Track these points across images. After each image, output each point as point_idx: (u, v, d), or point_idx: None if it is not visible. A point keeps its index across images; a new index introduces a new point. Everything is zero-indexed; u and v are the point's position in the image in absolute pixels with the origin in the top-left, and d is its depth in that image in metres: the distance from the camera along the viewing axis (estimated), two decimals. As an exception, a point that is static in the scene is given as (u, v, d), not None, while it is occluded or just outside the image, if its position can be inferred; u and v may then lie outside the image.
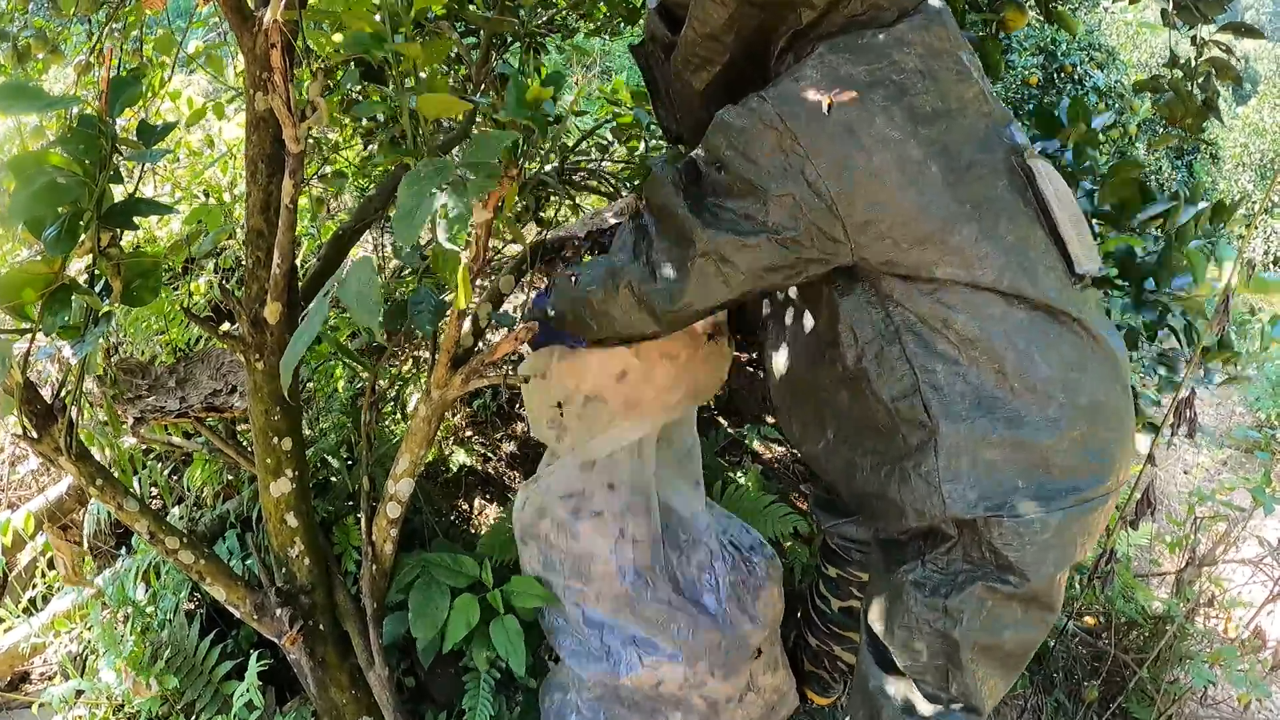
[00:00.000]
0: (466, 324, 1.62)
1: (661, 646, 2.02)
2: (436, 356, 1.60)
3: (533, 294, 1.94)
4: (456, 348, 1.58)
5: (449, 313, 1.53)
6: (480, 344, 1.69)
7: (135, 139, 1.36)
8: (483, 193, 1.14)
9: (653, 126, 2.43)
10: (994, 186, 1.44)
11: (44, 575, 2.87)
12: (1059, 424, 1.44)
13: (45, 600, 2.84)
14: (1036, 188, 1.48)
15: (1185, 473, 5.25)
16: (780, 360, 1.78)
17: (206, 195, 2.66)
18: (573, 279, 1.68)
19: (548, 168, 2.01)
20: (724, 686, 2.07)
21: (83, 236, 1.25)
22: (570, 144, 2.39)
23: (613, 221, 1.90)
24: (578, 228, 1.90)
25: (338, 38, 1.99)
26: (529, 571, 2.12)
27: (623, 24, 2.52)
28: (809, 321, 1.67)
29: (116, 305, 1.39)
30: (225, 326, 1.74)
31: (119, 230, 1.34)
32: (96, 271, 1.39)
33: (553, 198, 2.63)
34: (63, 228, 1.22)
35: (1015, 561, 1.46)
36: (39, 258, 1.33)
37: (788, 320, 1.77)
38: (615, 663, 2.02)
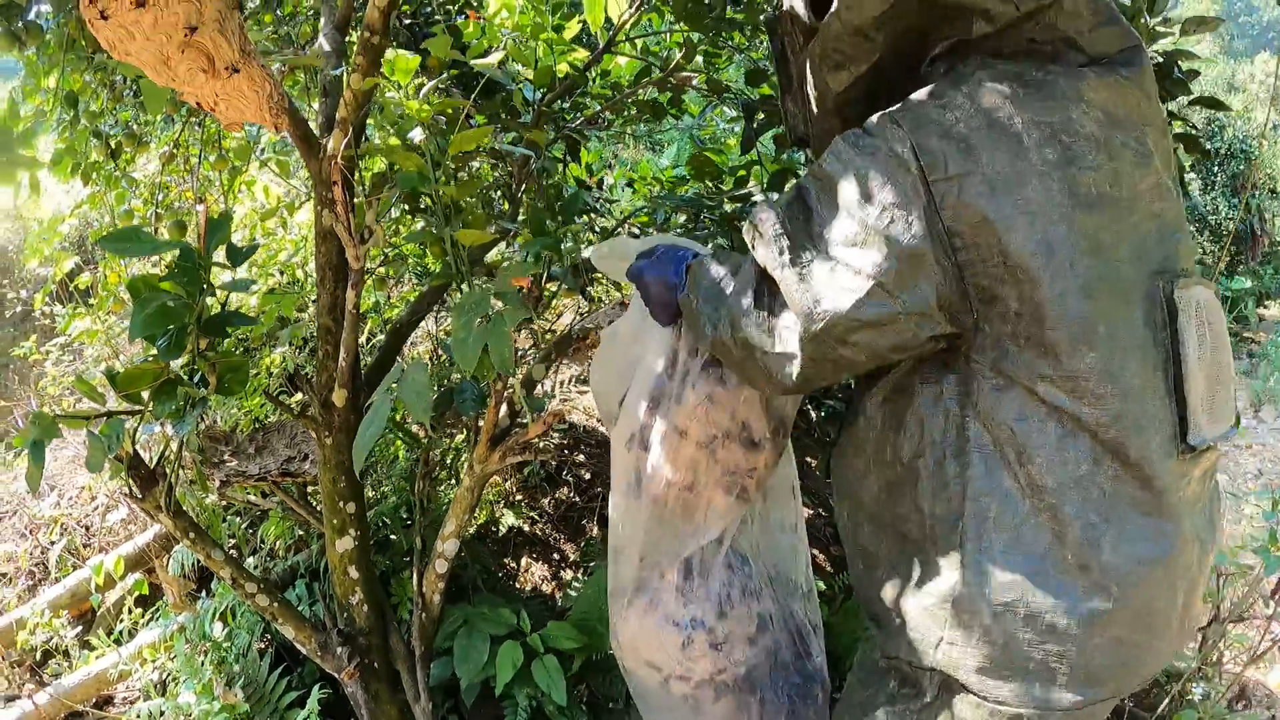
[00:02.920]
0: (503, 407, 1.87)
1: None
2: (478, 436, 1.85)
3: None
4: (495, 428, 1.83)
5: (489, 400, 1.79)
6: (515, 424, 1.94)
7: (225, 260, 1.65)
8: (515, 320, 1.39)
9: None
10: (1133, 312, 1.21)
11: (130, 612, 3.18)
12: (1101, 619, 1.21)
13: (130, 634, 3.15)
14: (1176, 328, 1.22)
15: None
16: (850, 413, 1.53)
17: (281, 273, 2.98)
18: (694, 294, 1.47)
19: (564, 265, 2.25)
20: None
21: (187, 345, 1.53)
22: (609, 227, 2.64)
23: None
24: (603, 316, 2.12)
25: (380, 165, 2.26)
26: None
27: (651, 119, 2.78)
28: (879, 392, 1.40)
29: (212, 394, 1.67)
30: (298, 397, 2.01)
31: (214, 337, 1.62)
32: (195, 367, 1.67)
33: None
34: (172, 340, 1.50)
35: None
36: (149, 358, 1.61)
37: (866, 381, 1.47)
38: None
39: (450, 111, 1.57)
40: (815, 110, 1.46)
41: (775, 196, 1.37)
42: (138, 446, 1.80)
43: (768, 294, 1.31)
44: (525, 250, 1.58)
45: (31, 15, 2.30)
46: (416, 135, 1.45)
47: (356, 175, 1.73)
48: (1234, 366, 1.33)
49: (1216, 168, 10.81)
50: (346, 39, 2.37)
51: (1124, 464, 1.20)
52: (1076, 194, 1.16)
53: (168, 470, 1.87)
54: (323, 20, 2.41)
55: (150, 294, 1.48)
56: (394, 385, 1.54)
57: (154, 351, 1.56)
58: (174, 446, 1.85)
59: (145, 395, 1.62)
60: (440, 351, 2.77)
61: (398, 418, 2.43)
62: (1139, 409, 1.19)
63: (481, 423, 1.82)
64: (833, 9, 1.29)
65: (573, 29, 2.77)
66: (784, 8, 1.46)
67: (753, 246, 1.33)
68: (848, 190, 1.20)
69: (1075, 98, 1.19)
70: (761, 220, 1.30)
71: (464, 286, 1.50)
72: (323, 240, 1.87)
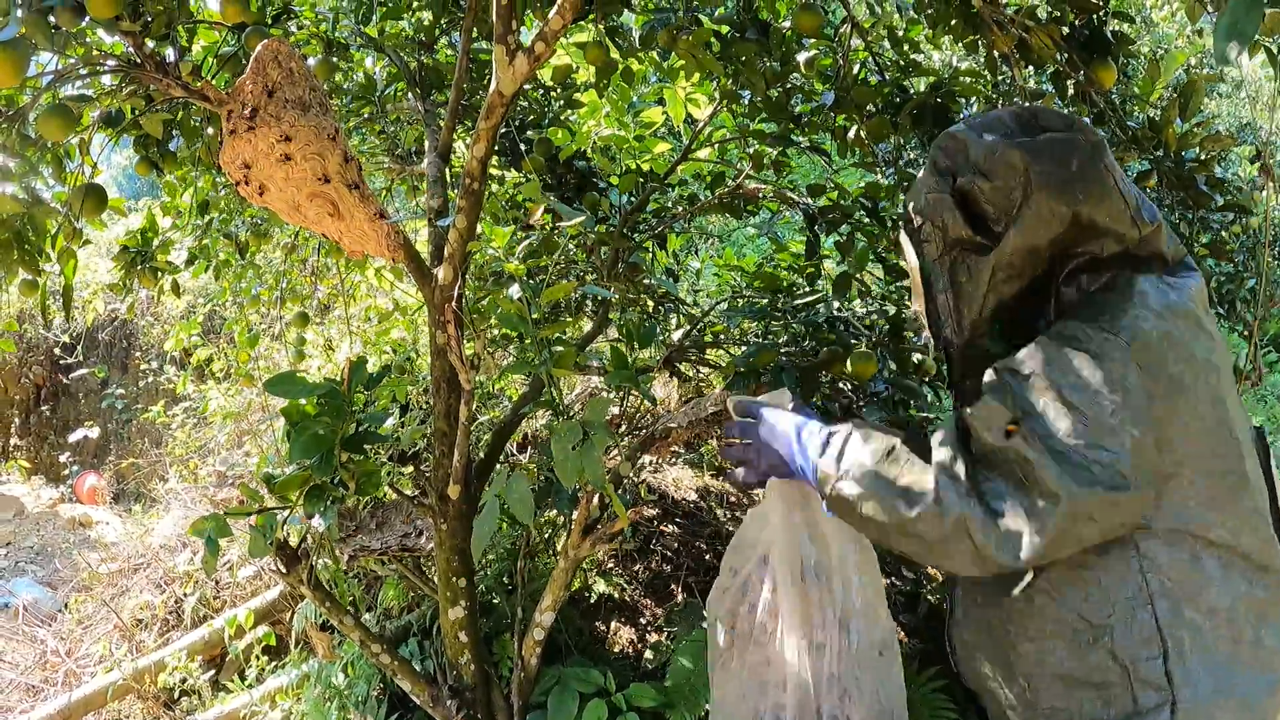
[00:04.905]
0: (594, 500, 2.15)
1: None
2: (571, 527, 2.14)
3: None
4: (586, 520, 2.11)
5: (581, 498, 2.07)
6: (605, 515, 2.22)
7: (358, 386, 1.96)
8: (604, 445, 1.67)
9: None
10: (1255, 459, 1.53)
11: (258, 659, 3.55)
12: (1274, 686, 1.49)
13: (259, 679, 3.52)
14: (1269, 464, 1.57)
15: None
16: (979, 598, 1.70)
17: (393, 351, 3.32)
18: (854, 483, 1.59)
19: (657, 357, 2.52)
20: None
21: (334, 463, 1.85)
22: (688, 327, 2.91)
23: (710, 410, 2.35)
24: (680, 417, 2.37)
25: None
26: None
27: (727, 216, 3.05)
28: (1054, 571, 1.55)
29: (351, 496, 1.99)
30: (409, 469, 2.32)
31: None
32: (337, 473, 1.99)
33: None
34: (322, 459, 1.83)
35: None
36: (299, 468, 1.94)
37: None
38: None
39: (544, 261, 1.86)
40: (968, 310, 1.67)
41: (978, 406, 1.54)
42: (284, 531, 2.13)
43: (981, 479, 1.49)
44: (609, 382, 1.86)
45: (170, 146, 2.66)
46: (515, 292, 1.74)
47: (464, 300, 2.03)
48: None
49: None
50: (449, 166, 2.69)
51: (1266, 573, 1.50)
52: (1223, 380, 1.47)
53: (310, 552, 2.19)
54: (426, 145, 2.74)
55: (304, 422, 1.81)
56: (501, 491, 1.83)
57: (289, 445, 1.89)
58: (315, 533, 2.18)
59: (296, 498, 1.95)
60: (537, 449, 3.08)
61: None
62: (1270, 531, 1.52)
63: (575, 517, 2.10)
64: (1012, 231, 1.55)
65: (656, 119, 3.06)
66: (926, 217, 1.68)
67: (983, 437, 1.49)
68: (1074, 389, 1.42)
69: (1190, 299, 1.50)
70: (993, 413, 1.48)
71: (560, 414, 1.78)
72: (437, 356, 2.18)
